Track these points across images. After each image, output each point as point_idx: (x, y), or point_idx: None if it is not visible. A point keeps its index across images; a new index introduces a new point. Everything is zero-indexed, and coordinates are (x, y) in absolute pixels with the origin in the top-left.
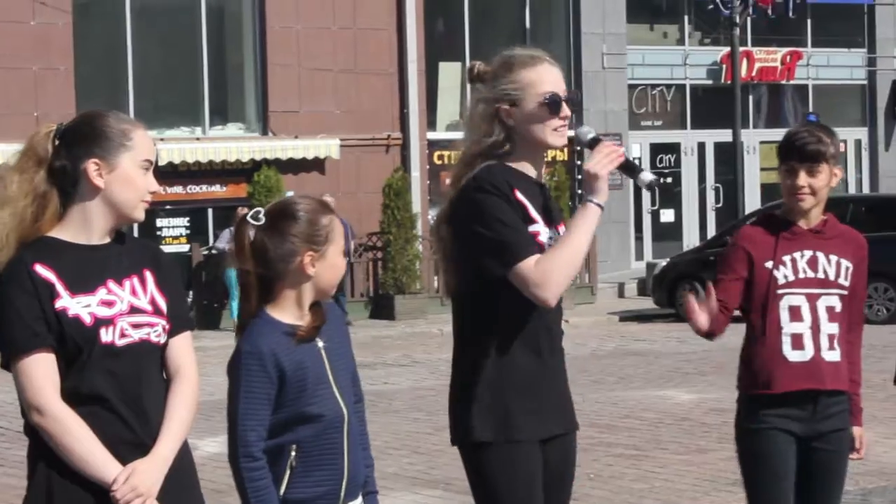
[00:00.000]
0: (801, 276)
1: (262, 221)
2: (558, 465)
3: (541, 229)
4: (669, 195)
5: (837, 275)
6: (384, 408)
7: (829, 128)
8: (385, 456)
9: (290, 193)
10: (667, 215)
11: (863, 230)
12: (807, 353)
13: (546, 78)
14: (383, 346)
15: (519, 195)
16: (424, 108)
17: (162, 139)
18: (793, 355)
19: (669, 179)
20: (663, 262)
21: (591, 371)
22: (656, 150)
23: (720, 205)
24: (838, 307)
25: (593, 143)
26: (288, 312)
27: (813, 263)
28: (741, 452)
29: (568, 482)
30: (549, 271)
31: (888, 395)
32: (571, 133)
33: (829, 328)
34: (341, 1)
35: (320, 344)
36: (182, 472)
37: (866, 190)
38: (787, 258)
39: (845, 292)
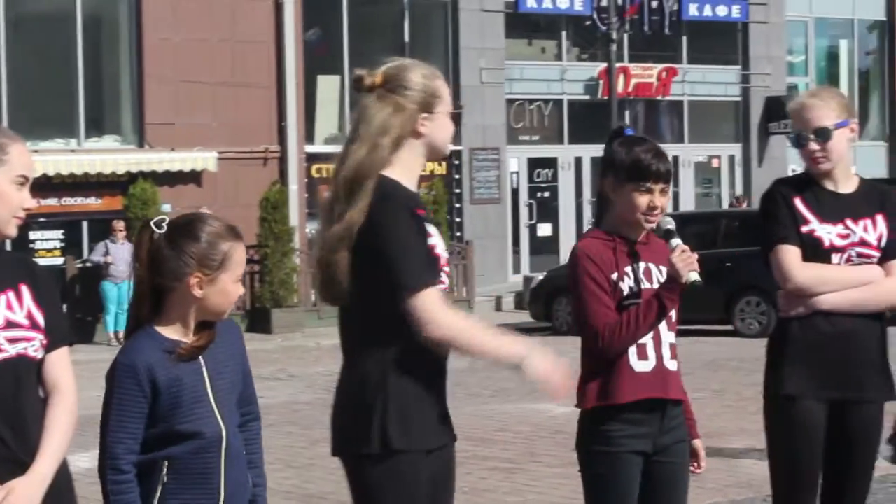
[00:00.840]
0: (643, 286)
1: (163, 231)
2: (442, 477)
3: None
4: (546, 209)
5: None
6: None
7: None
8: (297, 467)
9: (166, 206)
10: (544, 229)
11: (735, 245)
12: (650, 363)
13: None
14: (259, 360)
15: None
16: (303, 121)
17: (36, 151)
18: (639, 366)
19: (547, 194)
20: (540, 276)
21: (467, 384)
22: (534, 164)
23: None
24: (673, 316)
25: (668, 235)
26: (173, 328)
27: (648, 274)
28: (588, 476)
29: (450, 494)
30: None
31: (759, 407)
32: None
33: (668, 337)
34: (220, 13)
35: (202, 362)
36: (60, 491)
37: None
38: (628, 269)
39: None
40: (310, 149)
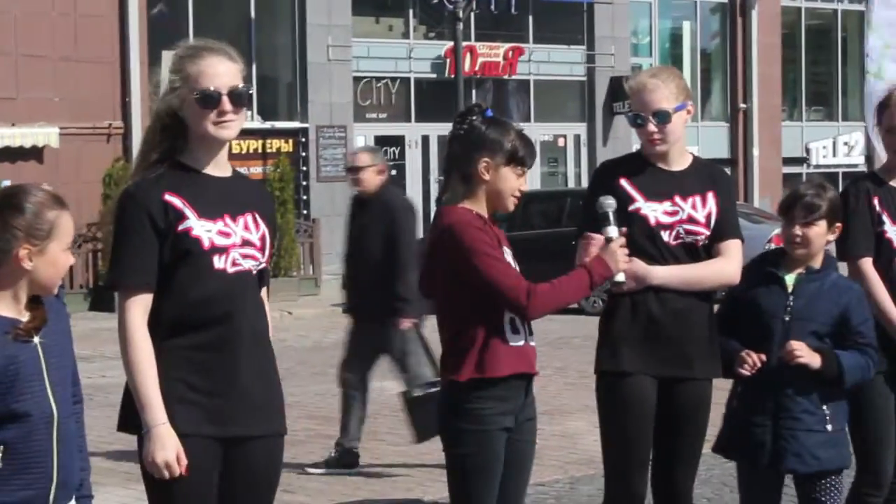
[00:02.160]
0: (515, 266)
1: None
2: (256, 469)
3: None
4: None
5: (515, 264)
6: (100, 401)
7: None
8: (99, 451)
9: (5, 182)
10: None
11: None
12: (521, 338)
13: (207, 71)
14: (102, 339)
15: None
16: (147, 97)
17: None
18: (512, 339)
19: (395, 172)
20: None
21: (312, 363)
22: (381, 142)
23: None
24: None
25: (604, 219)
26: (4, 305)
27: (509, 256)
28: (456, 455)
29: (255, 491)
30: None
31: None
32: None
33: None
34: None
35: (37, 340)
36: None
37: (584, 184)
38: (504, 249)
39: None
40: None
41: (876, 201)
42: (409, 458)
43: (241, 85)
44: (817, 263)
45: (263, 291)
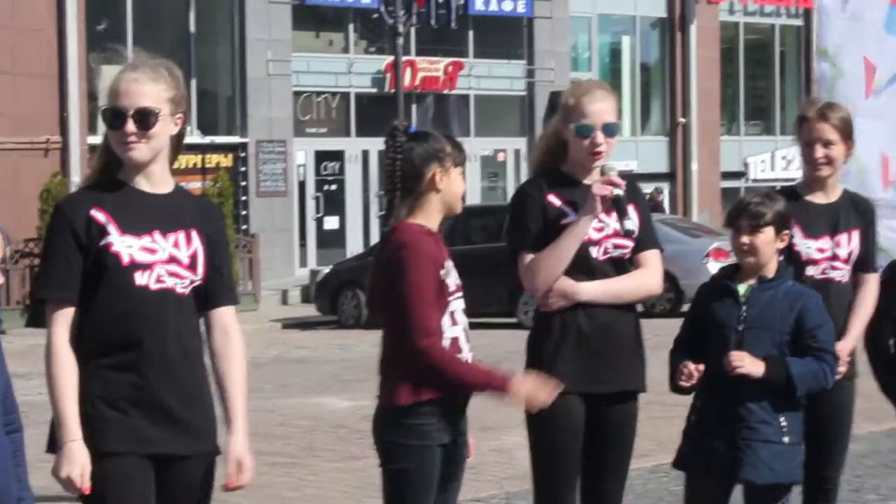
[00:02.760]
0: (457, 280)
1: None
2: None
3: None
4: (333, 202)
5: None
6: (36, 419)
7: None
8: (34, 469)
9: None
10: (331, 223)
11: None
12: (465, 356)
13: (118, 88)
14: (39, 356)
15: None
16: (86, 112)
17: None
18: None
19: (334, 187)
20: (327, 270)
21: (250, 378)
22: (321, 157)
23: (384, 212)
24: (464, 306)
25: (603, 171)
26: None
27: (452, 270)
28: (395, 471)
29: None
30: None
31: None
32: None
33: (467, 328)
34: None
35: None
36: None
37: None
38: (448, 264)
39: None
40: (92, 140)
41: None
42: (346, 473)
43: (150, 106)
44: (770, 272)
45: (224, 310)
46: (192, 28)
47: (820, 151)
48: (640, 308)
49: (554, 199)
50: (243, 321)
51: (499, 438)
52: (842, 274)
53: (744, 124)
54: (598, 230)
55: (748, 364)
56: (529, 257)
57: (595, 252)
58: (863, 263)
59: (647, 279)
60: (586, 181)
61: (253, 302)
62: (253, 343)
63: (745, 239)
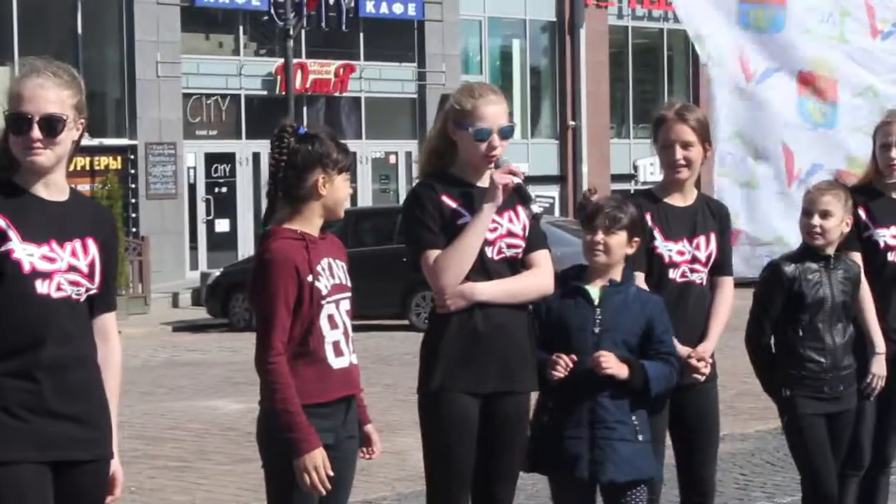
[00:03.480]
0: (333, 282)
1: None
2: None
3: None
4: (224, 205)
5: (345, 277)
6: None
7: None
8: None
9: None
10: (221, 225)
11: None
12: (345, 360)
13: (22, 93)
14: None
15: None
16: None
17: None
18: (336, 363)
19: (225, 189)
20: (217, 272)
21: (140, 383)
22: (211, 159)
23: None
24: (349, 308)
25: (497, 164)
26: None
27: (331, 269)
28: (276, 473)
29: None
30: None
31: None
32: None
33: (350, 331)
34: None
35: None
36: None
37: None
38: (319, 268)
39: (351, 294)
40: None
41: (648, 217)
42: (236, 476)
43: (56, 113)
44: (618, 276)
45: (106, 317)
46: (80, 29)
47: (679, 153)
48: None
49: (448, 201)
50: (134, 324)
51: (391, 440)
52: (701, 277)
53: (633, 127)
54: (492, 230)
55: (614, 365)
56: (434, 254)
57: (490, 252)
58: (720, 267)
59: (540, 279)
60: (479, 183)
61: (143, 305)
62: (143, 346)
63: (599, 237)
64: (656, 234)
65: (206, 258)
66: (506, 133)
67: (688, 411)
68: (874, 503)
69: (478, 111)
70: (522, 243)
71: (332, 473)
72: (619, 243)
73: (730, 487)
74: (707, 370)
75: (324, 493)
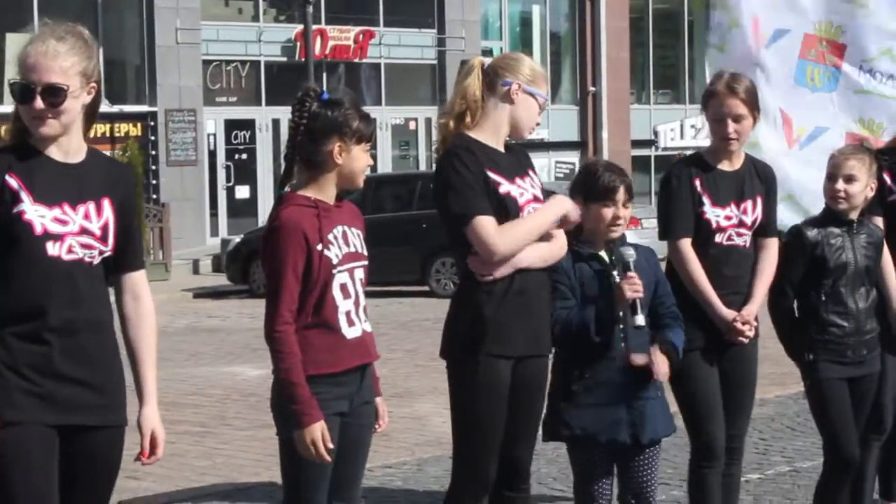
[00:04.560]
0: (348, 250)
1: None
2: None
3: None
4: (244, 172)
5: (361, 246)
6: None
7: None
8: None
9: None
10: (242, 192)
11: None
12: (358, 329)
13: (26, 61)
14: None
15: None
16: None
17: None
18: (349, 332)
19: (245, 156)
20: (238, 239)
21: (161, 349)
22: (231, 126)
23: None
24: (363, 277)
25: (626, 267)
26: None
27: (345, 238)
28: (289, 439)
29: (94, 480)
30: None
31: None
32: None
33: (363, 300)
34: None
35: None
36: None
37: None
38: (330, 237)
39: (367, 262)
40: (2, 109)
41: (697, 183)
42: (256, 441)
43: (58, 82)
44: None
45: (135, 276)
46: None
47: (731, 127)
48: None
49: (489, 169)
50: (154, 291)
51: (411, 406)
52: (745, 239)
53: (653, 93)
54: (520, 195)
55: (663, 370)
56: (486, 220)
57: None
58: (765, 228)
59: (562, 242)
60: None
61: (164, 271)
62: (164, 312)
63: (622, 212)
64: (705, 199)
65: (226, 225)
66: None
67: (730, 370)
68: (893, 465)
69: (539, 81)
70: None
71: (331, 446)
72: (631, 213)
73: (749, 452)
74: (752, 333)
75: (325, 463)
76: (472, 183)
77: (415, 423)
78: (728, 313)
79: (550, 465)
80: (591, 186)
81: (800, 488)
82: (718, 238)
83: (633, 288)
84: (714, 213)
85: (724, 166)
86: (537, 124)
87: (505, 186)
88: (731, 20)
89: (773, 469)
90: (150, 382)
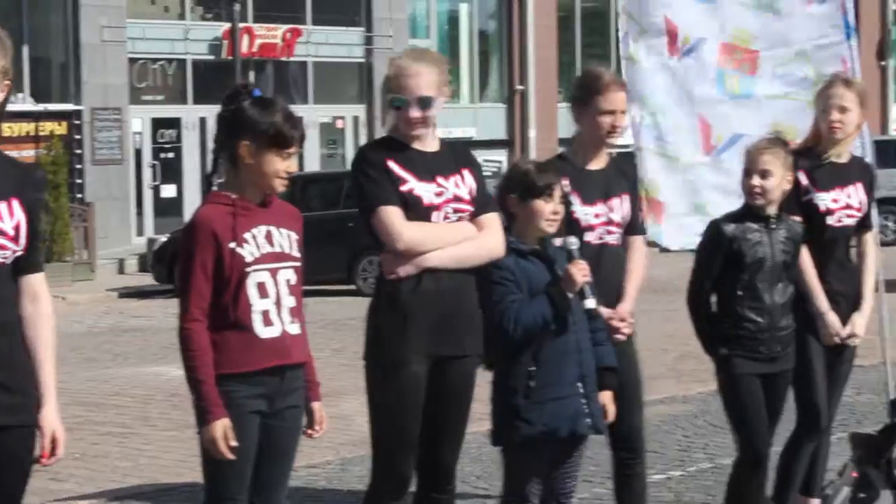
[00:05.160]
0: (270, 250)
1: None
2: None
3: None
4: (170, 170)
5: (290, 247)
6: None
7: None
8: None
9: None
10: (168, 191)
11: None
12: (276, 329)
13: None
14: None
15: None
16: None
17: None
18: (265, 332)
19: (171, 154)
20: (164, 238)
21: (85, 349)
22: (157, 124)
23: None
24: (293, 280)
25: (571, 255)
26: None
27: (269, 237)
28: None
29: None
30: None
31: None
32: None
33: (289, 301)
34: None
35: None
36: None
37: None
38: (248, 235)
39: (298, 264)
40: None
41: (567, 182)
42: (180, 441)
43: None
44: None
45: (33, 278)
46: None
47: (620, 119)
48: None
49: (392, 165)
50: (79, 291)
51: (336, 405)
52: (616, 238)
53: None
54: (438, 195)
55: (611, 410)
56: (390, 210)
57: (436, 217)
58: (632, 226)
59: (489, 242)
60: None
61: (89, 271)
62: (89, 312)
63: (560, 208)
64: (574, 199)
65: (152, 224)
66: (423, 104)
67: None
68: (816, 462)
69: (396, 79)
70: (470, 207)
71: (234, 444)
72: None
73: (671, 449)
74: (629, 330)
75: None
76: (376, 175)
77: (340, 423)
78: (604, 311)
79: (474, 464)
80: (529, 183)
81: (721, 485)
82: (588, 237)
83: (582, 273)
84: (583, 212)
85: (591, 165)
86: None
87: (409, 184)
88: (640, 28)
89: (694, 466)
90: (49, 383)
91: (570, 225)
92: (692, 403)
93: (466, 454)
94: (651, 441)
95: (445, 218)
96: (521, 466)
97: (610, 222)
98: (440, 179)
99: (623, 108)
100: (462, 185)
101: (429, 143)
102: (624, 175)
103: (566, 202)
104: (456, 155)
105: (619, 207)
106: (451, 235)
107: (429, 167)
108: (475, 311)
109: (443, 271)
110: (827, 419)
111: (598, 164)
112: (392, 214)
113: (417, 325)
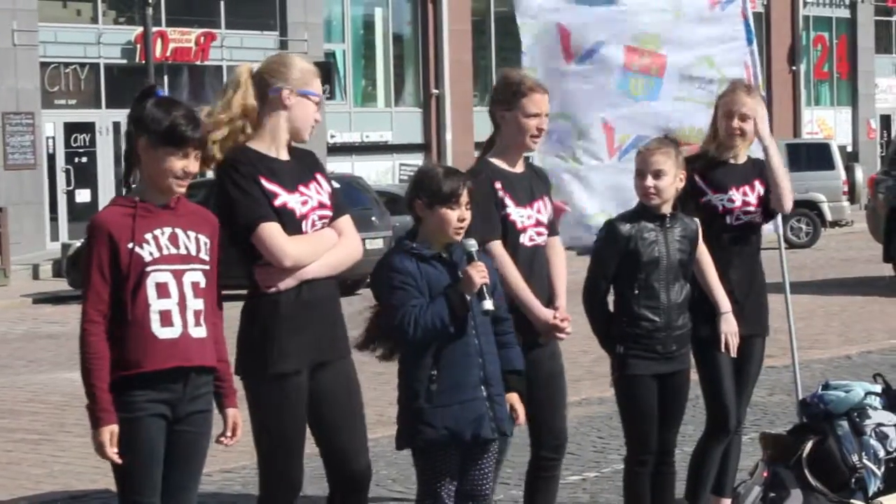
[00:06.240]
0: (174, 252)
1: None
2: None
3: None
4: (84, 175)
5: (198, 250)
6: None
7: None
8: None
9: None
10: (82, 195)
11: None
12: (176, 330)
13: None
14: None
15: None
16: None
17: None
18: (162, 332)
19: (85, 159)
20: (78, 243)
21: None
22: (70, 129)
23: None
24: (203, 283)
25: (470, 257)
26: None
27: (174, 239)
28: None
29: None
30: None
31: None
32: None
33: (195, 304)
34: None
35: None
36: None
37: None
38: (148, 236)
39: (208, 267)
40: None
41: (498, 186)
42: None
43: None
44: None
45: None
46: None
47: (544, 122)
48: None
49: (262, 180)
50: None
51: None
52: (544, 239)
53: None
54: (304, 203)
55: (521, 413)
56: (272, 227)
57: (305, 226)
58: (552, 228)
59: (352, 246)
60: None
61: (3, 277)
62: (2, 319)
63: (467, 214)
64: (508, 201)
65: (66, 229)
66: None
67: (544, 367)
68: (727, 462)
69: (309, 78)
70: (330, 213)
71: (115, 450)
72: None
73: (587, 450)
74: (570, 329)
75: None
76: (252, 191)
77: None
78: (547, 312)
79: (390, 468)
80: (435, 190)
81: None
82: (522, 239)
83: (481, 274)
84: (518, 214)
85: (516, 168)
86: (317, 121)
87: (282, 198)
88: (533, 36)
89: (610, 467)
90: None
91: (506, 227)
92: (608, 405)
93: (382, 458)
94: (567, 443)
95: (313, 226)
96: (431, 469)
97: (539, 223)
98: (302, 188)
99: (546, 110)
100: (322, 190)
101: (283, 151)
102: (539, 177)
103: (503, 204)
104: (307, 162)
105: (545, 209)
106: (324, 246)
107: (291, 177)
108: (340, 314)
109: (317, 280)
110: (735, 420)
111: (520, 167)
112: (274, 231)
113: (299, 335)
